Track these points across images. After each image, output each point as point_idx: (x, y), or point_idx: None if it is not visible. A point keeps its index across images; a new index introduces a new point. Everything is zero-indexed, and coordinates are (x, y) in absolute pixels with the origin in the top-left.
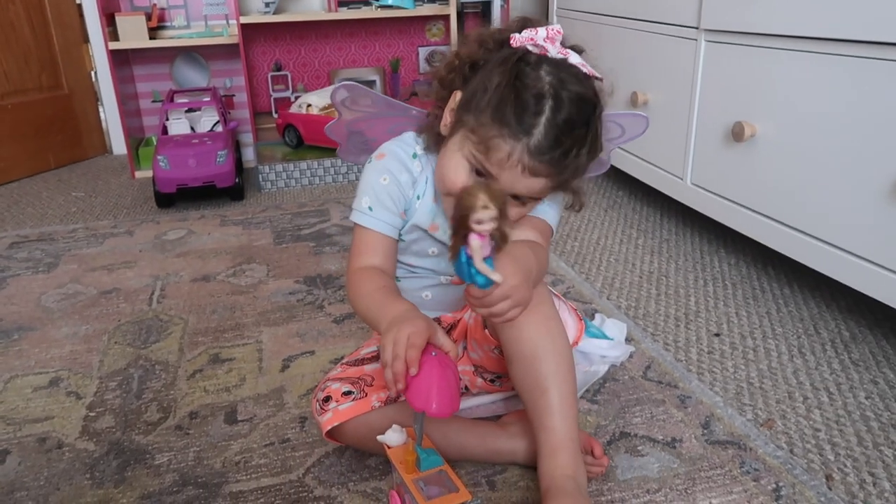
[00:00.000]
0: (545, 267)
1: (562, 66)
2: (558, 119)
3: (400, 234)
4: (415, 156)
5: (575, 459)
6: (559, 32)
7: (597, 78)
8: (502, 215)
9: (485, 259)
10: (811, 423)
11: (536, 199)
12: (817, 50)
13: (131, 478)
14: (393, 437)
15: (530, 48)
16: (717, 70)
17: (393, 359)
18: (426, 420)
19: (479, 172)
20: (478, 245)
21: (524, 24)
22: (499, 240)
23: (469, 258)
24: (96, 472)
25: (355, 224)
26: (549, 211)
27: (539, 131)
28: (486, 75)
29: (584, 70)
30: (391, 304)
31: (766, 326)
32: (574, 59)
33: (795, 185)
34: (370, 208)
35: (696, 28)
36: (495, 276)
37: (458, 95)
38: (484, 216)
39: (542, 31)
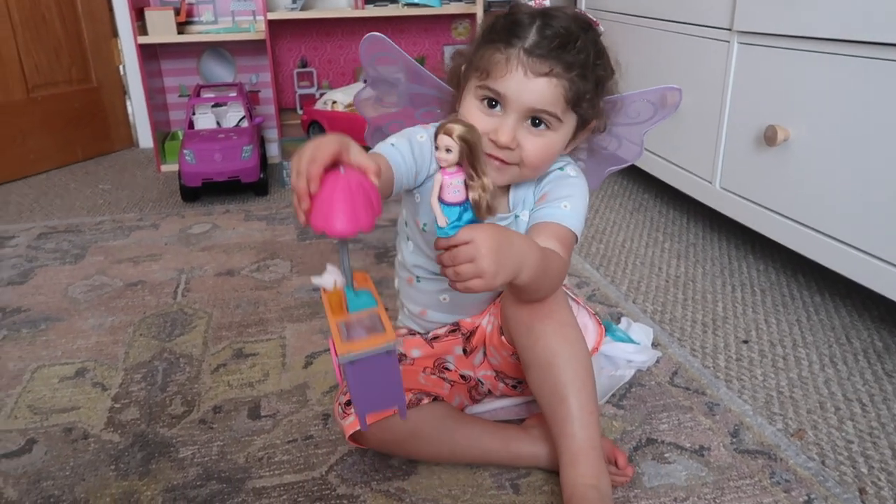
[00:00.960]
0: (558, 272)
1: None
2: (552, 23)
3: (424, 224)
4: None
5: (596, 467)
6: None
7: (593, 22)
8: (475, 158)
9: (453, 205)
10: (843, 434)
11: (552, 116)
12: (853, 53)
13: (155, 470)
14: (328, 280)
15: None
16: (749, 72)
17: (295, 176)
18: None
19: (492, 104)
20: (438, 179)
21: None
22: (479, 195)
23: (440, 202)
24: (121, 464)
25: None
26: (571, 215)
27: (532, 33)
28: (480, 27)
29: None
30: None
31: (795, 334)
32: None
33: (828, 190)
34: (393, 144)
35: (729, 30)
36: (440, 220)
37: (463, 67)
38: (441, 142)
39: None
